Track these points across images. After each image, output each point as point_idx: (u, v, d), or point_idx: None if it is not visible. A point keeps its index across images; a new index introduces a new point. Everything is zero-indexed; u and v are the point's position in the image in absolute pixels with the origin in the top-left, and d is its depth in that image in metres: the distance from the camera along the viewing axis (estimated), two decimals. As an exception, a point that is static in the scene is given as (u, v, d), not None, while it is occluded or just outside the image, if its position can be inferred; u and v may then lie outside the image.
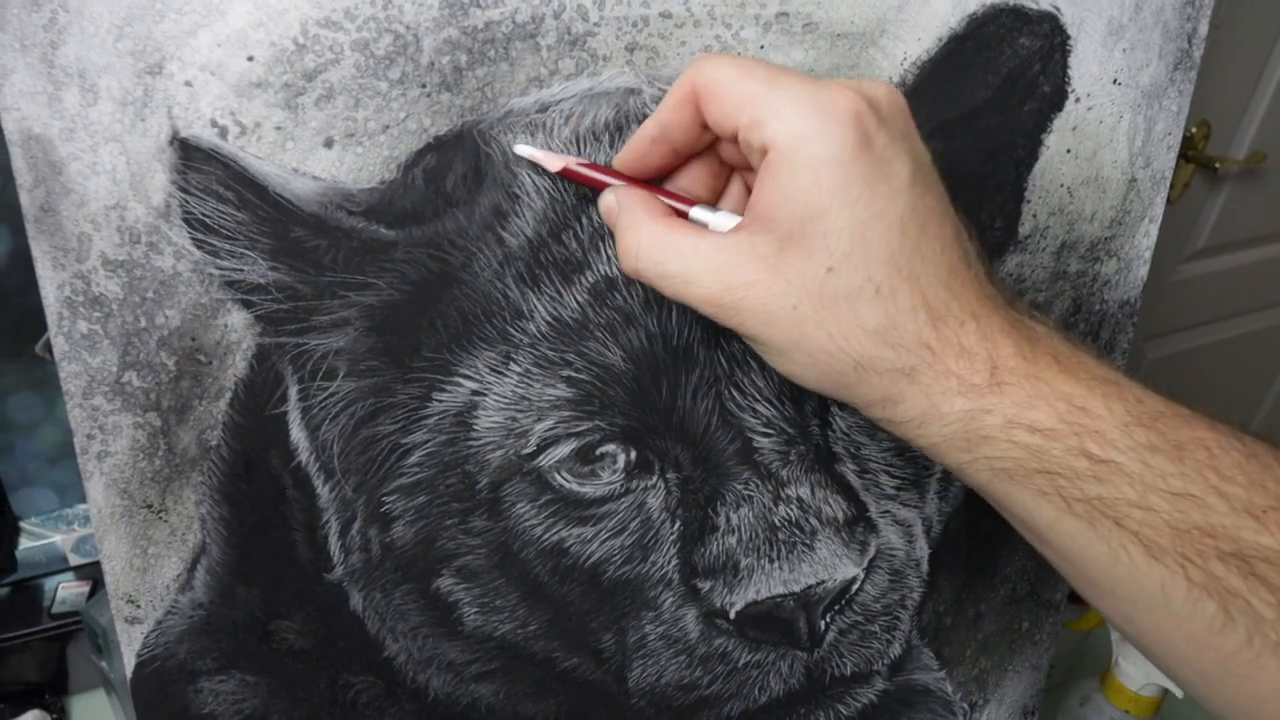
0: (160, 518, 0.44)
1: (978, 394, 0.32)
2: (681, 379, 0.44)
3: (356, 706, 0.50)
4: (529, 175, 0.42)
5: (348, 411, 0.43)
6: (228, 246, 0.40)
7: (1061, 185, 0.53)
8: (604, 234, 0.43)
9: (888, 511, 0.50)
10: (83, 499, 0.76)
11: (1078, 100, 0.51)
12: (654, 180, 0.40)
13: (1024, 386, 0.32)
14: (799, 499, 0.46)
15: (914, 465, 0.51)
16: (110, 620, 0.52)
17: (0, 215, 0.68)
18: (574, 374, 0.43)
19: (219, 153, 0.38)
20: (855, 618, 0.50)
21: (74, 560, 0.79)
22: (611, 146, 0.43)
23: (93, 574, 0.79)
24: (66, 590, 0.77)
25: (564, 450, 0.44)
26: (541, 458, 0.44)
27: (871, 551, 0.48)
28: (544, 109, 0.42)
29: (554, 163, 0.40)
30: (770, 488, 0.45)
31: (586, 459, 0.45)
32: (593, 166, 0.40)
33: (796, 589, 0.46)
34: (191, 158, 0.38)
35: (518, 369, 0.43)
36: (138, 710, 0.48)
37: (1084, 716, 0.73)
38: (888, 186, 0.32)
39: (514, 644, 0.49)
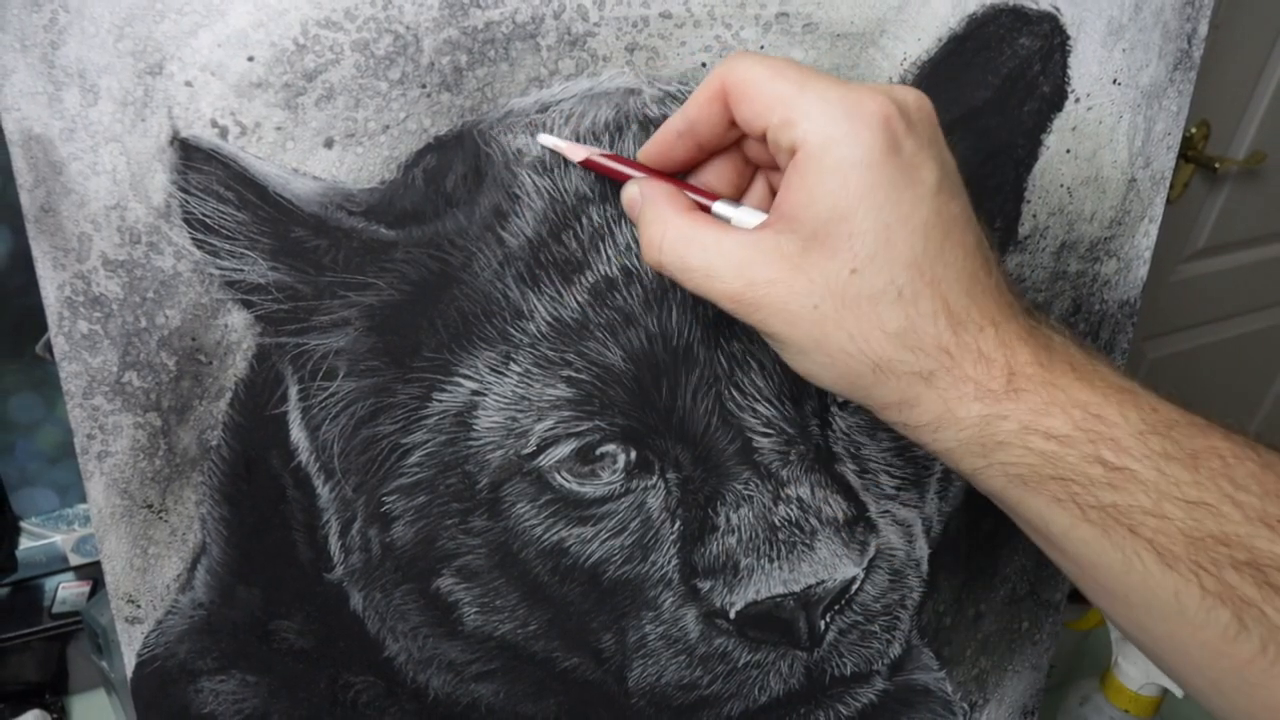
0: (160, 518, 0.44)
1: (994, 400, 0.32)
2: (681, 379, 0.44)
3: (357, 706, 0.50)
4: (529, 175, 0.42)
5: (348, 411, 0.43)
6: (228, 246, 0.40)
7: (1061, 185, 0.53)
8: (604, 234, 0.43)
9: (888, 511, 0.50)
10: (83, 499, 0.76)
11: (1077, 100, 0.51)
12: (678, 175, 0.40)
13: (1040, 393, 0.32)
14: (799, 499, 0.46)
15: (914, 465, 0.51)
16: (110, 620, 0.52)
17: (1, 215, 0.68)
18: (574, 374, 0.43)
19: (219, 153, 0.38)
20: (855, 617, 0.50)
21: (74, 560, 0.79)
22: (611, 146, 0.43)
23: (93, 574, 0.79)
24: (67, 590, 0.77)
25: (564, 450, 0.44)
26: (541, 458, 0.44)
27: (871, 551, 0.48)
28: (544, 109, 0.42)
29: (577, 153, 0.40)
30: (770, 488, 0.45)
31: (586, 459, 0.45)
32: (616, 158, 0.40)
33: (796, 589, 0.46)
34: (192, 158, 0.38)
35: (518, 369, 0.43)
36: (138, 710, 0.48)
37: (1084, 716, 0.73)
38: (914, 192, 0.32)
39: (514, 644, 0.49)
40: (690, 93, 0.44)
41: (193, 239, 0.40)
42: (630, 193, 0.38)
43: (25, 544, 0.77)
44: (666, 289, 0.43)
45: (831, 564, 0.46)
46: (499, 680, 0.50)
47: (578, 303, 0.43)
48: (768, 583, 0.46)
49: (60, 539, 0.78)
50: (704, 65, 0.44)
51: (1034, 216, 0.53)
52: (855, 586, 0.48)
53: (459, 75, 0.40)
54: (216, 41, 0.37)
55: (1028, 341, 0.33)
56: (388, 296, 0.42)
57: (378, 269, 0.41)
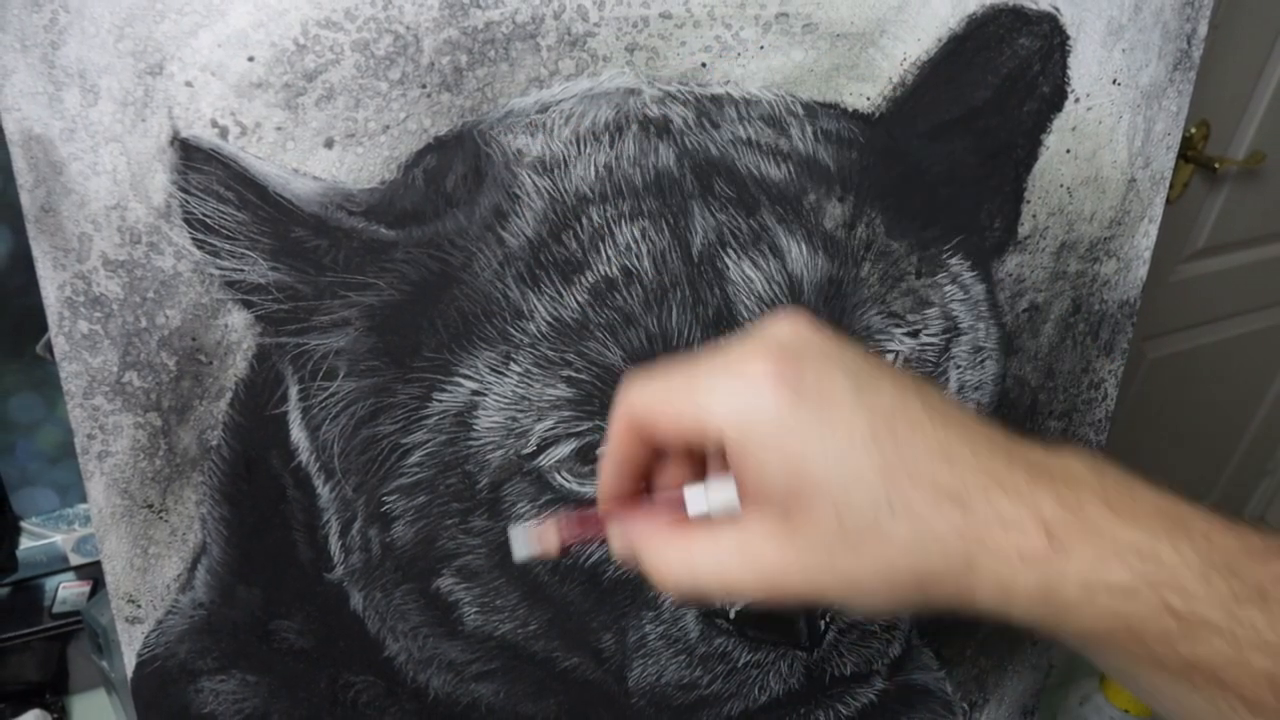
0: (161, 517, 0.44)
1: (1044, 562, 0.31)
2: (681, 379, 0.44)
3: (357, 706, 0.50)
4: (529, 175, 0.42)
5: (348, 411, 0.44)
6: (228, 247, 0.40)
7: (1061, 185, 0.53)
8: (604, 234, 0.43)
9: (887, 511, 0.50)
10: (83, 499, 0.76)
11: (1077, 100, 0.51)
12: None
13: (1087, 546, 0.31)
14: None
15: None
16: (111, 620, 0.52)
17: (1, 215, 0.68)
18: (574, 374, 0.43)
19: (219, 153, 0.38)
20: (855, 618, 0.50)
21: (75, 560, 0.79)
22: (611, 146, 0.43)
23: (93, 574, 0.79)
24: (67, 590, 0.77)
25: (564, 450, 0.44)
26: (542, 457, 0.44)
27: (871, 551, 0.48)
28: (544, 109, 0.42)
29: (551, 543, 0.37)
30: (770, 487, 0.45)
31: (586, 459, 0.45)
32: (580, 519, 0.37)
33: (796, 589, 0.46)
34: (192, 158, 0.38)
35: (518, 369, 0.43)
36: (138, 710, 0.49)
37: (1083, 716, 0.73)
38: (840, 413, 0.32)
39: (514, 644, 0.49)
40: (690, 93, 0.44)
41: (193, 239, 0.40)
42: (618, 546, 0.37)
43: (26, 544, 0.77)
44: (666, 289, 0.43)
45: (831, 564, 0.46)
46: (499, 680, 0.50)
47: (578, 303, 0.43)
48: (767, 582, 0.46)
49: (61, 539, 0.78)
50: (704, 65, 0.44)
51: (1034, 216, 0.53)
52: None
53: (459, 75, 0.40)
54: (217, 42, 0.37)
55: (1040, 483, 0.32)
56: (388, 296, 0.42)
57: (378, 269, 0.42)
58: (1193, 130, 1.33)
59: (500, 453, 0.44)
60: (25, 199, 0.38)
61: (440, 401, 0.43)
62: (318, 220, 0.40)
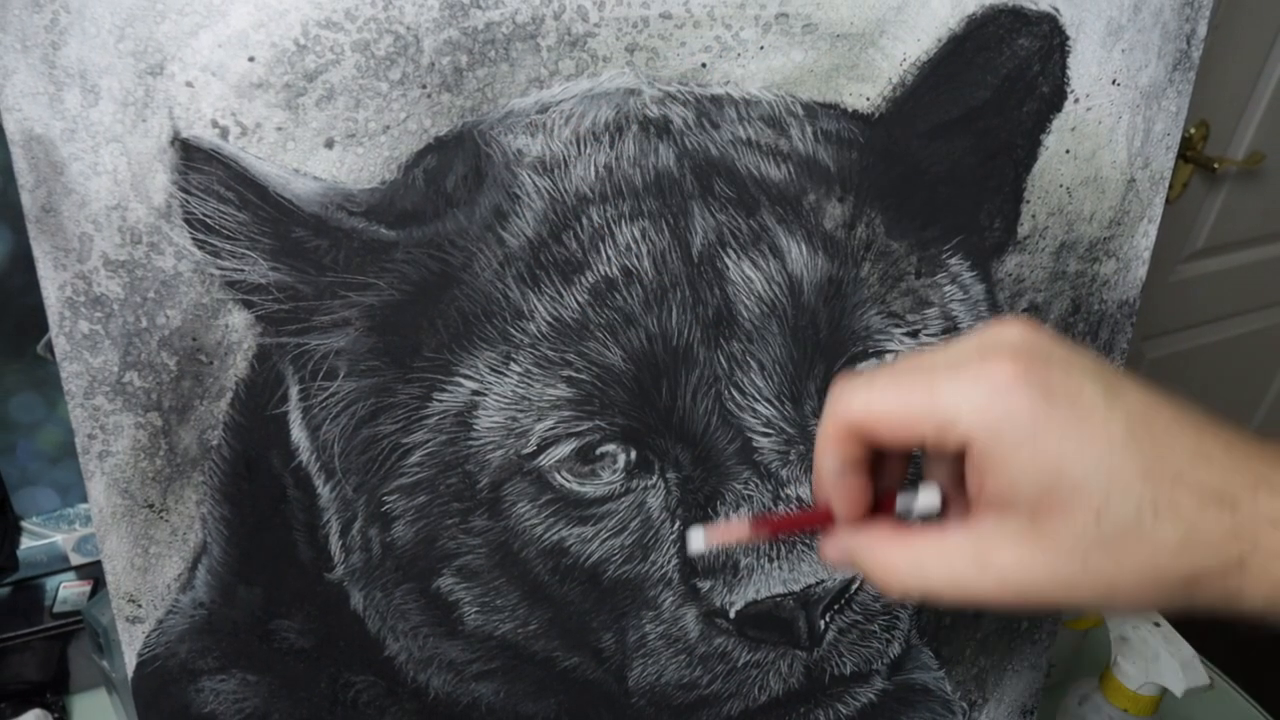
0: (161, 517, 0.44)
1: None
2: (681, 379, 0.44)
3: (357, 706, 0.50)
4: (529, 176, 0.42)
5: (348, 411, 0.44)
6: (229, 247, 0.40)
7: (1060, 185, 0.53)
8: (604, 235, 0.43)
9: (887, 511, 0.50)
10: (84, 498, 0.76)
11: (1076, 101, 0.51)
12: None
13: None
14: (799, 499, 0.46)
15: (913, 465, 0.51)
16: (111, 619, 0.52)
17: (2, 215, 0.68)
18: (574, 374, 0.43)
19: (220, 153, 0.38)
20: (855, 617, 0.50)
21: (75, 560, 0.79)
22: (611, 146, 0.43)
23: (94, 573, 0.79)
24: (68, 590, 0.77)
25: (564, 450, 0.44)
26: (542, 457, 0.44)
27: (871, 551, 0.48)
28: (544, 109, 0.42)
29: (741, 532, 0.37)
30: (770, 487, 0.45)
31: (587, 459, 0.45)
32: (789, 520, 0.37)
33: (796, 588, 0.46)
34: (193, 158, 0.38)
35: (518, 369, 0.43)
36: (139, 709, 0.49)
37: (1083, 715, 0.73)
38: (1095, 415, 0.31)
39: (514, 643, 0.49)
40: (690, 93, 0.44)
41: (193, 239, 0.40)
42: (832, 554, 0.37)
43: (26, 543, 0.77)
44: (666, 289, 0.43)
45: (831, 563, 0.46)
46: (499, 680, 0.50)
47: (578, 303, 0.43)
48: (767, 582, 0.46)
49: (61, 538, 0.78)
50: (704, 65, 0.44)
51: (1033, 217, 0.53)
52: (855, 586, 0.48)
53: (459, 76, 0.40)
54: (217, 42, 0.37)
55: None
56: (388, 296, 0.42)
57: (378, 269, 0.42)
58: (1192, 131, 1.34)
59: (500, 453, 0.44)
60: (26, 199, 0.38)
61: (440, 401, 0.43)
62: (318, 220, 0.40)
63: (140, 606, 0.46)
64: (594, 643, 0.49)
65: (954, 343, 0.33)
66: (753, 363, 0.45)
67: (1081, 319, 0.57)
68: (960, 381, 0.32)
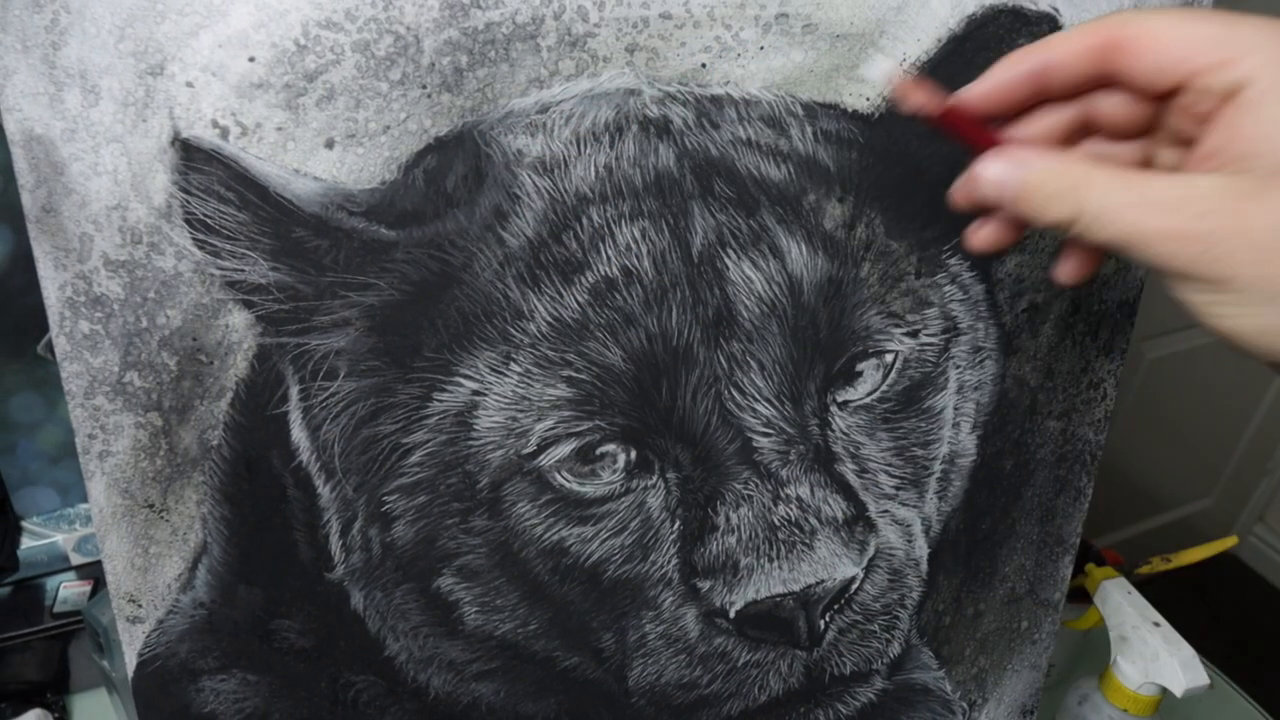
0: (162, 517, 0.44)
1: None
2: (681, 379, 0.44)
3: (357, 705, 0.50)
4: (529, 176, 0.42)
5: (349, 411, 0.44)
6: (229, 247, 0.40)
7: (1060, 186, 0.53)
8: (604, 234, 0.43)
9: (887, 511, 0.50)
10: (84, 498, 0.76)
11: (1076, 101, 0.51)
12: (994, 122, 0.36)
13: None
14: (798, 499, 0.46)
15: (913, 465, 0.51)
16: (112, 619, 0.52)
17: (2, 215, 0.68)
18: (574, 374, 0.43)
19: (220, 153, 0.38)
20: (854, 617, 0.50)
21: (75, 560, 0.79)
22: (611, 147, 0.43)
23: (94, 573, 0.79)
24: (68, 589, 0.77)
25: (564, 450, 0.44)
26: (542, 457, 0.44)
27: (871, 551, 0.48)
28: (544, 110, 0.42)
29: (909, 99, 0.35)
30: (770, 487, 0.46)
31: (587, 459, 0.45)
32: (957, 115, 0.34)
33: (796, 588, 0.46)
34: (193, 158, 0.38)
35: (518, 369, 0.43)
36: (139, 709, 0.49)
37: (1082, 715, 0.73)
38: None
39: (514, 643, 0.49)
40: (690, 93, 0.44)
41: (194, 239, 0.40)
42: (999, 170, 0.34)
43: (27, 543, 0.78)
44: (666, 289, 0.43)
45: (831, 563, 0.46)
46: (499, 679, 0.50)
47: (578, 303, 0.43)
48: (767, 582, 0.46)
49: (61, 538, 0.78)
50: (704, 66, 0.44)
51: (1033, 217, 0.53)
52: (854, 586, 0.48)
53: (459, 76, 0.41)
54: (217, 42, 0.37)
55: None
56: (388, 297, 0.42)
57: (378, 269, 0.42)
58: (1192, 130, 1.33)
59: (500, 453, 0.44)
60: (26, 199, 0.38)
61: (441, 401, 0.44)
62: (318, 220, 0.40)
63: (140, 606, 0.46)
64: (594, 643, 0.49)
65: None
66: (753, 363, 0.45)
67: (1081, 319, 0.57)
68: (1264, 26, 0.31)
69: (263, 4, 0.37)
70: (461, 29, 0.40)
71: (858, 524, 0.47)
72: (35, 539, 0.78)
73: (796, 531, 0.46)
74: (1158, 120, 0.35)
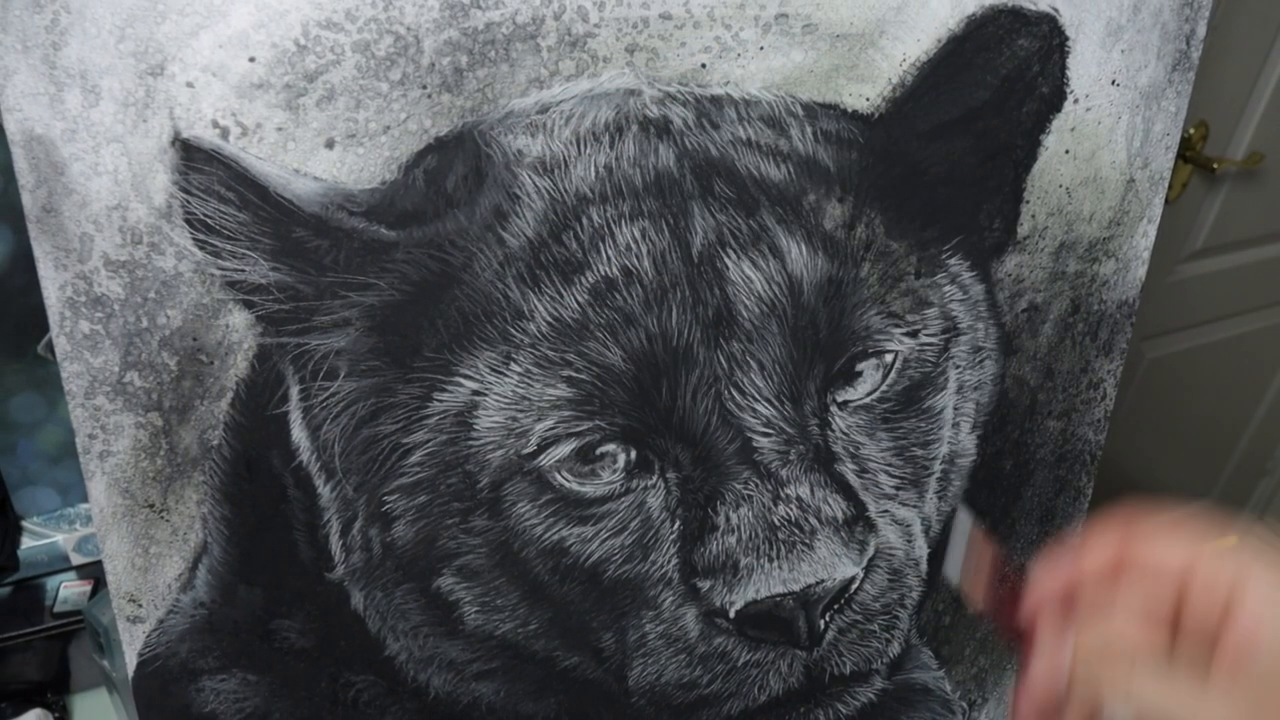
0: (162, 517, 0.44)
1: None
2: (681, 379, 0.44)
3: (358, 705, 0.50)
4: (529, 176, 0.42)
5: (349, 411, 0.44)
6: (229, 247, 0.40)
7: (1060, 186, 0.53)
8: (604, 235, 0.43)
9: (887, 511, 0.50)
10: (85, 498, 0.76)
11: (1076, 101, 0.51)
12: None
13: None
14: (798, 499, 0.46)
15: (913, 465, 0.51)
16: (112, 619, 0.52)
17: (2, 215, 0.68)
18: (574, 374, 0.43)
19: (220, 153, 0.38)
20: (854, 617, 0.50)
21: (76, 559, 0.79)
22: (611, 147, 0.43)
23: (94, 573, 0.79)
24: (68, 589, 0.77)
25: (564, 450, 0.44)
26: (542, 457, 0.44)
27: (870, 551, 0.48)
28: (544, 110, 0.42)
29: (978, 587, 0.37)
30: (770, 487, 0.46)
31: (587, 458, 0.45)
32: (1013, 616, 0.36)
33: (796, 588, 0.46)
34: (193, 158, 0.38)
35: (518, 369, 0.43)
36: (139, 709, 0.49)
37: (1082, 715, 0.73)
38: None
39: (514, 643, 0.49)
40: (690, 94, 0.44)
41: (194, 239, 0.40)
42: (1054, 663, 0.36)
43: (27, 543, 0.78)
44: (666, 289, 0.43)
45: (831, 563, 0.46)
46: (499, 679, 0.50)
47: (578, 303, 0.43)
48: (767, 582, 0.46)
49: (62, 538, 0.78)
50: (703, 66, 0.44)
51: (1033, 217, 0.53)
52: (854, 586, 0.48)
53: (459, 76, 0.41)
54: (218, 42, 0.37)
55: None
56: (388, 297, 0.42)
57: (379, 269, 0.42)
58: (1191, 131, 1.34)
59: (501, 452, 0.44)
60: (27, 199, 0.38)
61: (441, 401, 0.44)
62: (318, 220, 0.40)
63: (141, 606, 0.46)
64: (594, 642, 0.49)
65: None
66: (752, 363, 0.45)
67: (1081, 319, 0.57)
68: (1258, 548, 0.33)
69: (263, 4, 0.37)
70: (461, 29, 0.40)
71: (858, 524, 0.47)
72: (36, 539, 0.78)
73: (796, 531, 0.46)
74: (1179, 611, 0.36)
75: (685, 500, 0.46)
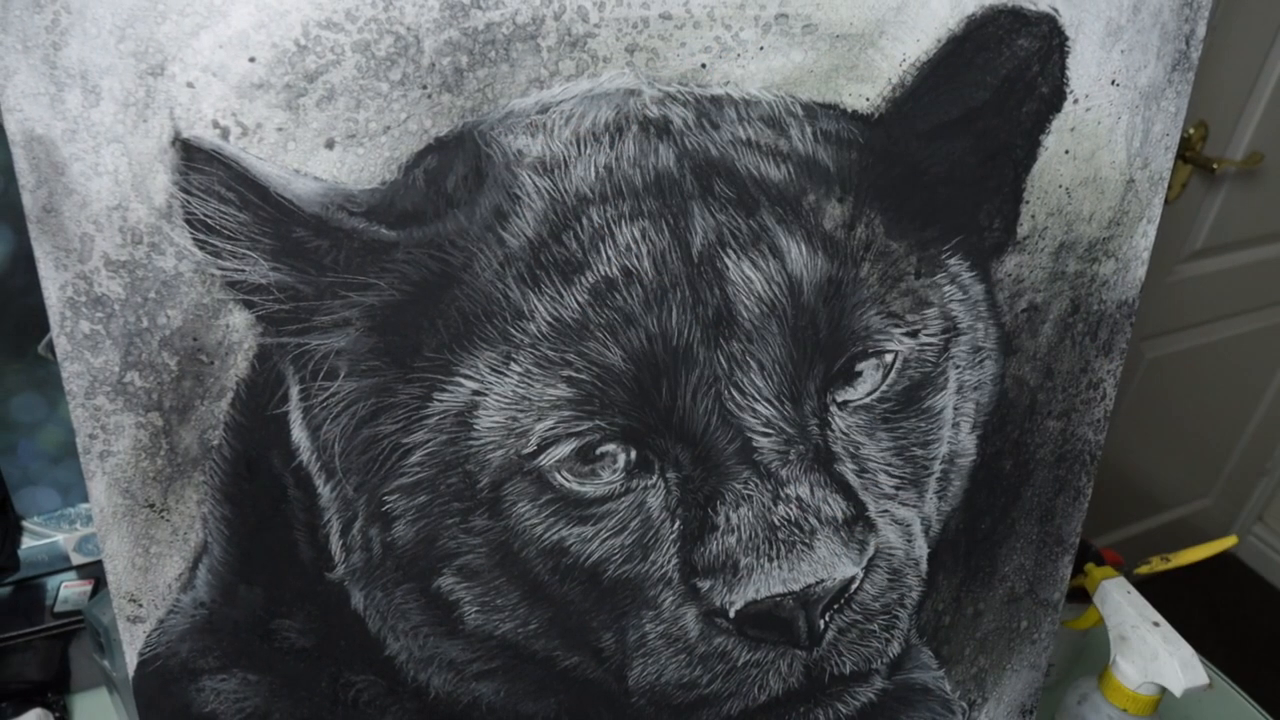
0: (162, 517, 0.44)
1: None
2: (681, 379, 0.44)
3: (358, 705, 0.50)
4: (529, 176, 0.42)
5: (349, 411, 0.44)
6: (229, 247, 0.40)
7: (1060, 186, 0.53)
8: (604, 235, 0.43)
9: (886, 511, 0.50)
10: (85, 498, 0.76)
11: (1076, 101, 0.51)
12: None
13: None
14: (798, 498, 0.46)
15: (912, 465, 0.51)
16: (112, 619, 0.52)
17: (3, 215, 0.68)
18: (574, 374, 0.43)
19: (221, 154, 0.38)
20: (854, 617, 0.50)
21: (76, 559, 0.79)
22: (611, 147, 0.43)
23: (95, 573, 0.79)
24: (69, 589, 0.77)
25: (564, 450, 0.44)
26: (542, 457, 0.44)
27: (870, 551, 0.48)
28: (544, 110, 0.42)
29: None
30: (770, 487, 0.46)
31: (587, 458, 0.45)
32: None
33: (796, 588, 0.46)
34: (193, 159, 0.38)
35: (518, 369, 0.43)
36: (140, 709, 0.49)
37: (1082, 715, 0.73)
38: None
39: (515, 643, 0.49)
40: (690, 94, 0.44)
41: (194, 239, 0.40)
42: None
43: (27, 543, 0.78)
44: (666, 289, 0.43)
45: (831, 563, 0.46)
46: (500, 679, 0.50)
47: (578, 303, 0.43)
48: (767, 582, 0.46)
49: (62, 538, 0.78)
50: (703, 66, 0.44)
51: (1032, 217, 0.53)
52: (854, 586, 0.48)
53: (460, 76, 0.41)
54: (218, 43, 0.37)
55: None
56: (389, 297, 0.42)
57: (379, 269, 0.42)
58: (1191, 131, 1.34)
59: (501, 452, 0.44)
60: (27, 199, 0.38)
61: (441, 401, 0.44)
62: (319, 221, 0.40)
63: (141, 606, 0.46)
64: (594, 642, 0.49)
65: None
66: (752, 363, 0.45)
67: (1080, 319, 0.57)
68: None
69: (263, 4, 0.37)
70: (462, 29, 0.40)
71: (857, 524, 0.47)
72: (36, 539, 0.78)
73: (796, 531, 0.46)
74: None
75: (685, 500, 0.46)
